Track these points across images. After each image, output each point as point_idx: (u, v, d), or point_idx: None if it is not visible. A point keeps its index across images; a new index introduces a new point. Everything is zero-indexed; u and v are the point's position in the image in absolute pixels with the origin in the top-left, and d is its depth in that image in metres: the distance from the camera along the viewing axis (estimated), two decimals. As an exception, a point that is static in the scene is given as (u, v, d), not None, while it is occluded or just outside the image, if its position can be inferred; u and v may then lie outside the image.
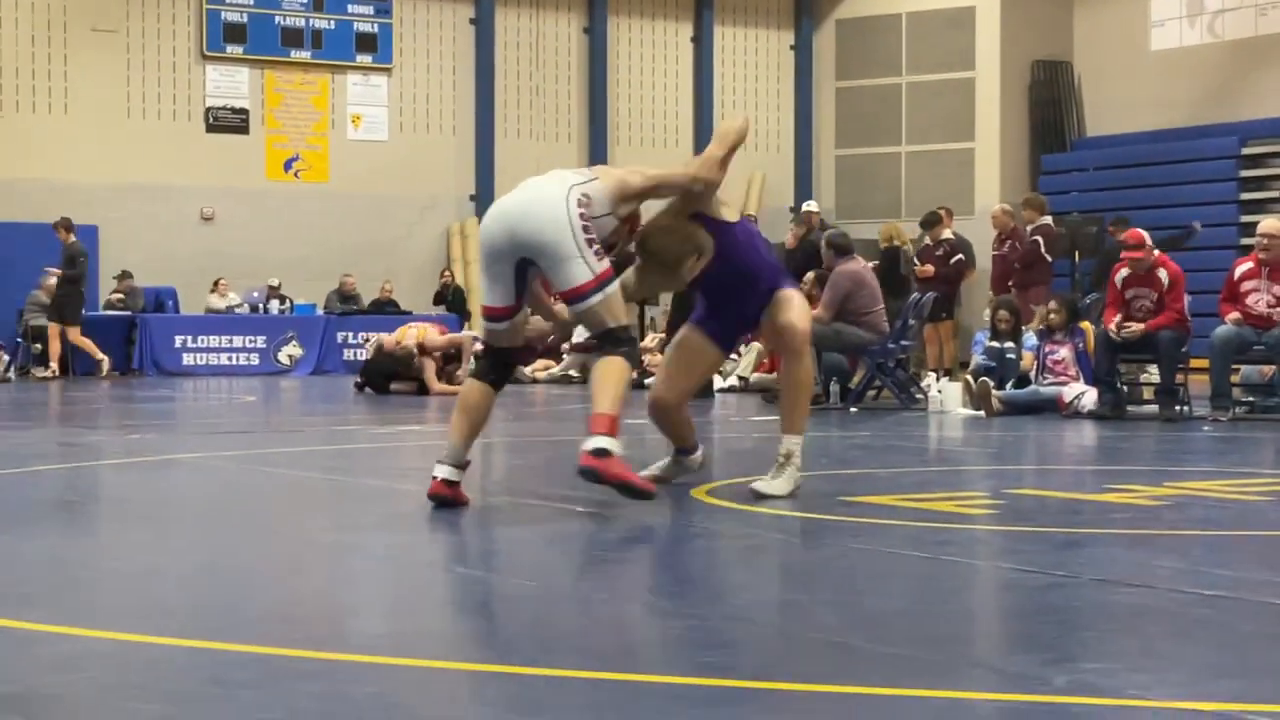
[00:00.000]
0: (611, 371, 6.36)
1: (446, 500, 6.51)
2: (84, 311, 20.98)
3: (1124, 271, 13.02)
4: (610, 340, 6.45)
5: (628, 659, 3.94)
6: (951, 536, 6.03)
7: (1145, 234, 13.14)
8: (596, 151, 25.79)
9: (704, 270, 6.80)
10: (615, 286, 6.45)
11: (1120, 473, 8.80)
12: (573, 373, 20.36)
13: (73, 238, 20.49)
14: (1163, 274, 12.89)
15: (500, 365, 6.80)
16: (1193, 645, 4.05)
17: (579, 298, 6.40)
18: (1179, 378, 13.04)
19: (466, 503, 6.61)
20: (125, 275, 22.45)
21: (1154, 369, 13.47)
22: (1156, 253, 13.07)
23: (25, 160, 22.58)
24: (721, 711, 3.34)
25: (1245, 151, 23.22)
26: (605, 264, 6.41)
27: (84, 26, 23.32)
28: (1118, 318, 12.81)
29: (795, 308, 6.94)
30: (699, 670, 3.81)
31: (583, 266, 6.31)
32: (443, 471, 6.53)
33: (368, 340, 20.39)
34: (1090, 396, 13.21)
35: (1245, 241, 17.87)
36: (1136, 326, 12.73)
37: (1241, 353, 13.05)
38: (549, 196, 6.41)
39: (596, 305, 6.39)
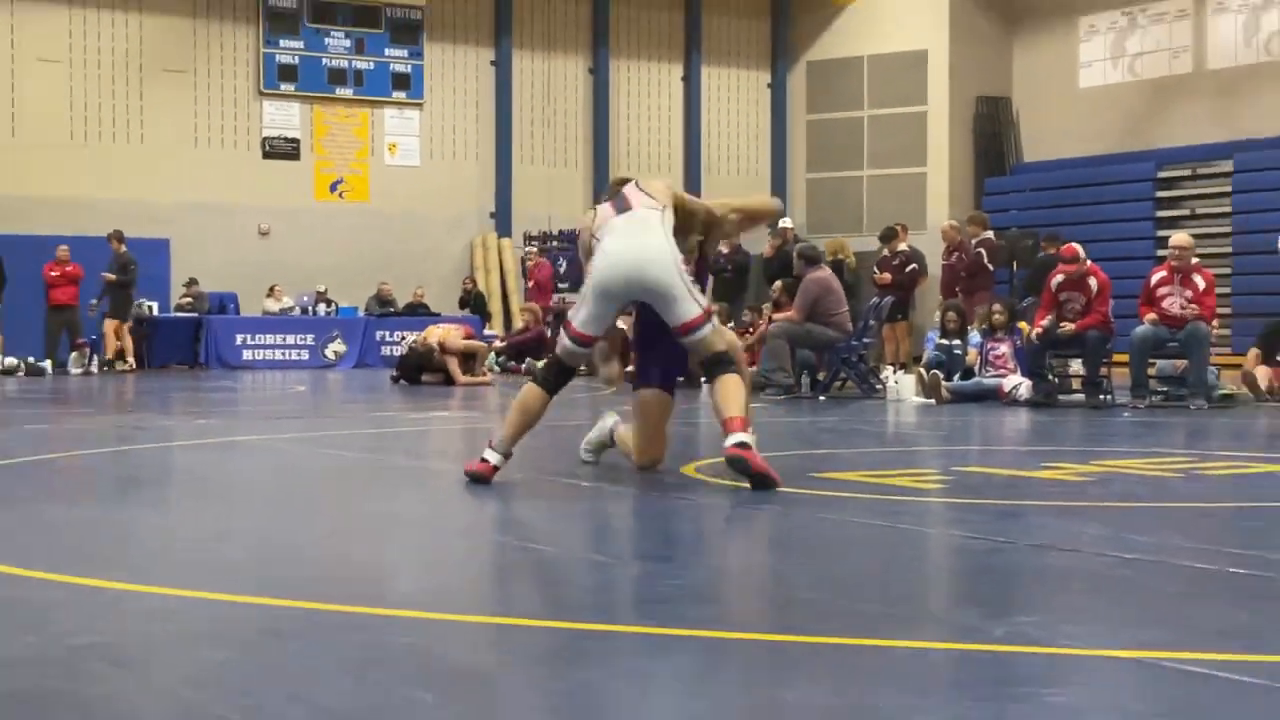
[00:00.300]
0: (732, 384, 6.50)
1: (483, 479, 6.49)
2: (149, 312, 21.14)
3: (1059, 278, 13.05)
4: (720, 363, 6.59)
5: (627, 613, 3.95)
6: (907, 508, 6.04)
7: (1079, 247, 13.16)
8: (600, 176, 25.78)
9: (639, 316, 7.03)
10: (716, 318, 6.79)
11: (1052, 452, 8.81)
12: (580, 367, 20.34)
13: (124, 248, 20.49)
14: (1093, 281, 12.93)
15: (563, 376, 6.89)
16: (1115, 601, 4.05)
17: (693, 330, 6.59)
18: (1102, 371, 13.07)
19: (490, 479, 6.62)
20: (192, 282, 22.49)
21: (1079, 363, 13.49)
22: (1089, 263, 13.11)
23: (108, 183, 22.58)
24: (707, 658, 3.34)
25: (1160, 175, 23.22)
26: (705, 298, 6.73)
27: (157, 68, 23.30)
28: (1048, 319, 12.84)
29: (724, 335, 7.05)
30: (689, 623, 3.81)
31: (692, 304, 6.55)
32: (492, 457, 6.53)
33: (404, 339, 20.47)
34: (1026, 387, 13.22)
35: (1160, 253, 17.85)
36: (1069, 326, 12.78)
37: (1157, 349, 13.07)
38: (657, 248, 6.57)
39: (708, 335, 6.60)
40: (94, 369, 20.24)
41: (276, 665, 3.25)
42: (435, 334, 17.46)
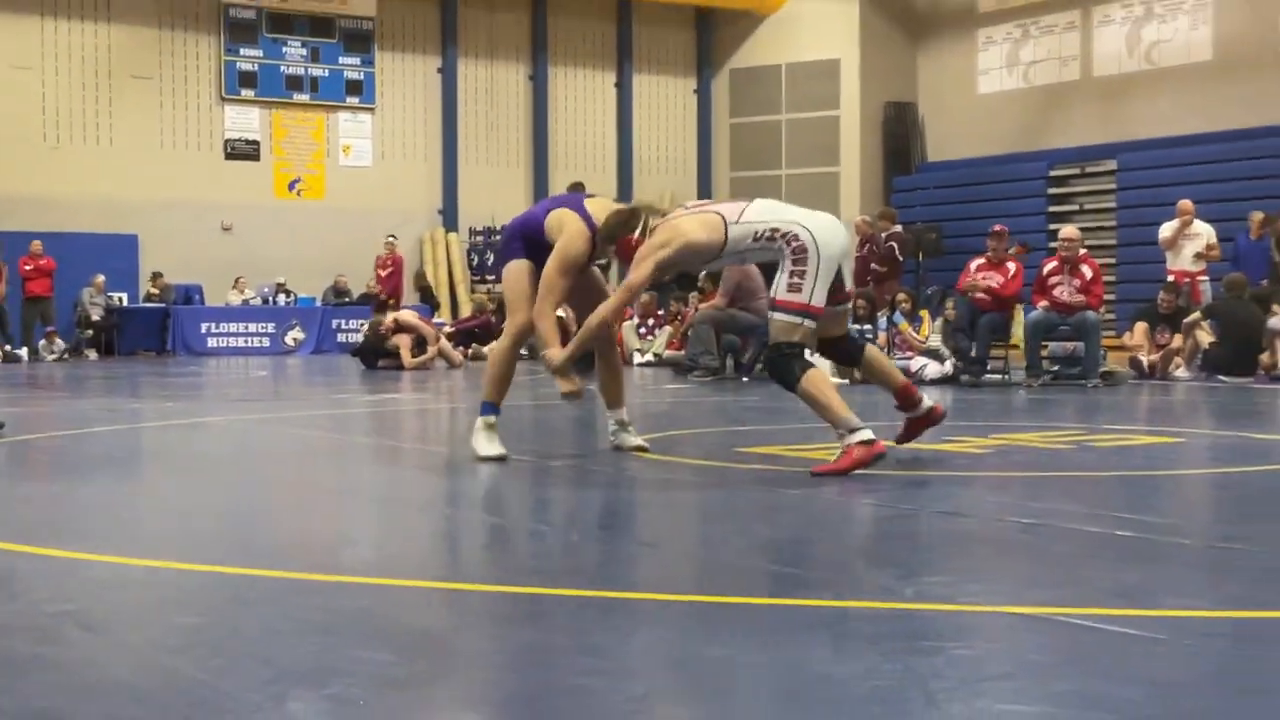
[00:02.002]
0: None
1: (880, 456, 5.92)
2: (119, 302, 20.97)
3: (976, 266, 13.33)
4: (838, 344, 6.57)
5: (570, 578, 3.94)
6: (825, 479, 6.06)
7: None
8: (539, 175, 25.73)
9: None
10: None
11: (956, 428, 8.86)
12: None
13: None
14: (1011, 266, 13.33)
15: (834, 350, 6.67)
16: (1013, 562, 4.08)
17: (847, 299, 6.43)
18: (997, 352, 13.28)
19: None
20: (158, 275, 22.34)
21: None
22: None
23: (79, 182, 22.27)
24: (637, 618, 3.34)
25: (1051, 174, 23.40)
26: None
27: (125, 75, 23.00)
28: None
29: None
30: (624, 586, 3.82)
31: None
32: (865, 434, 5.90)
33: (362, 325, 20.46)
34: (931, 367, 13.30)
35: (1052, 245, 17.98)
36: (979, 281, 13.18)
37: (1049, 332, 13.21)
38: None
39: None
40: (65, 355, 20.10)
41: (242, 629, 3.22)
42: (391, 316, 17.54)
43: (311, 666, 2.83)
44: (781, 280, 5.98)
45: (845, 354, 6.74)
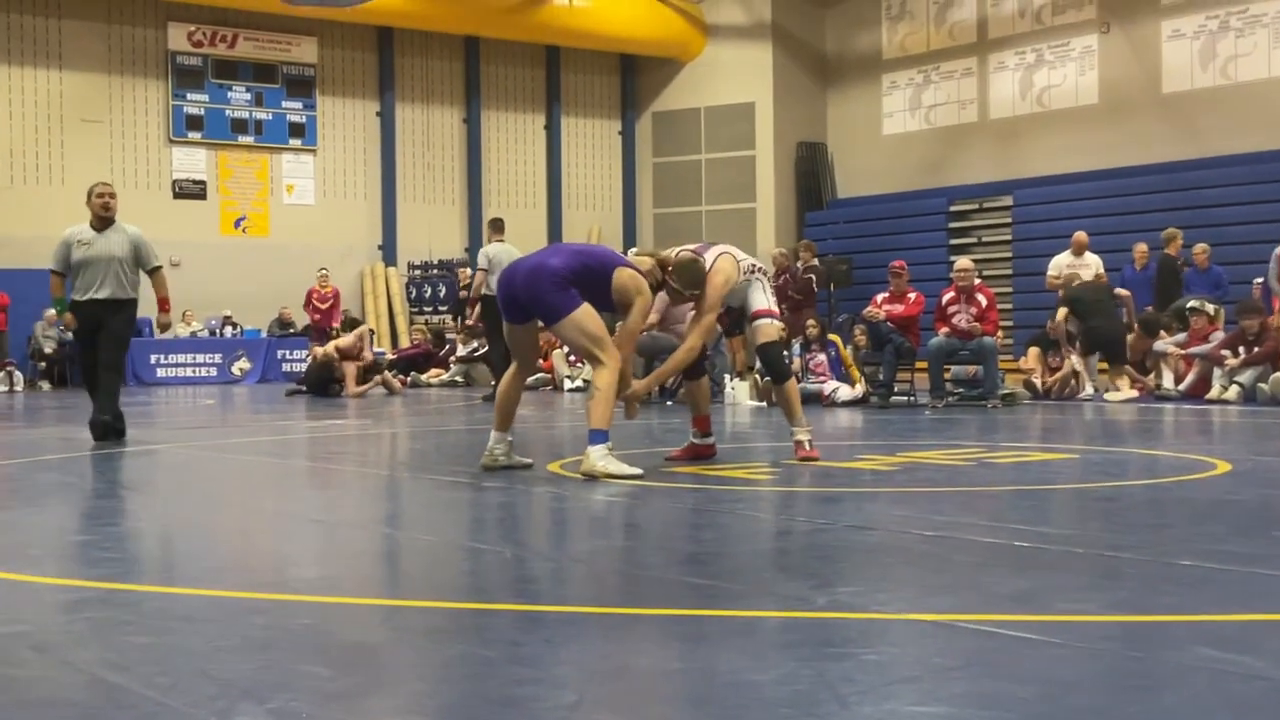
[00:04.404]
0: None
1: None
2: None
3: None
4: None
5: (499, 593, 3.92)
6: (743, 495, 6.08)
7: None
8: (474, 212, 25.68)
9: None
10: None
11: (865, 446, 8.93)
12: (458, 379, 20.22)
13: None
14: (912, 296, 13.41)
15: None
16: (918, 572, 4.11)
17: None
18: (901, 375, 13.41)
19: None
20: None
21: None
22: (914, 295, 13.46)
23: (33, 222, 21.92)
24: (567, 630, 3.33)
25: (952, 209, 23.68)
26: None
27: (75, 118, 22.73)
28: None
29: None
30: (553, 600, 3.80)
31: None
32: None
33: (309, 355, 20.30)
34: (844, 391, 13.40)
35: (950, 276, 18.19)
36: (879, 312, 13.26)
37: (950, 357, 13.35)
38: None
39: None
40: (19, 387, 19.76)
41: (188, 647, 3.17)
42: (333, 344, 17.41)
43: (255, 682, 2.80)
44: (764, 297, 7.48)
45: (699, 368, 7.68)
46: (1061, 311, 14.50)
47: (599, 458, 6.50)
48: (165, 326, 11.32)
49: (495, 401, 7.11)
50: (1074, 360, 14.28)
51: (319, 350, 17.55)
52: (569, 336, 6.81)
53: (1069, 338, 14.38)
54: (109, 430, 9.52)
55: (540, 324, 6.94)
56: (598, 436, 6.54)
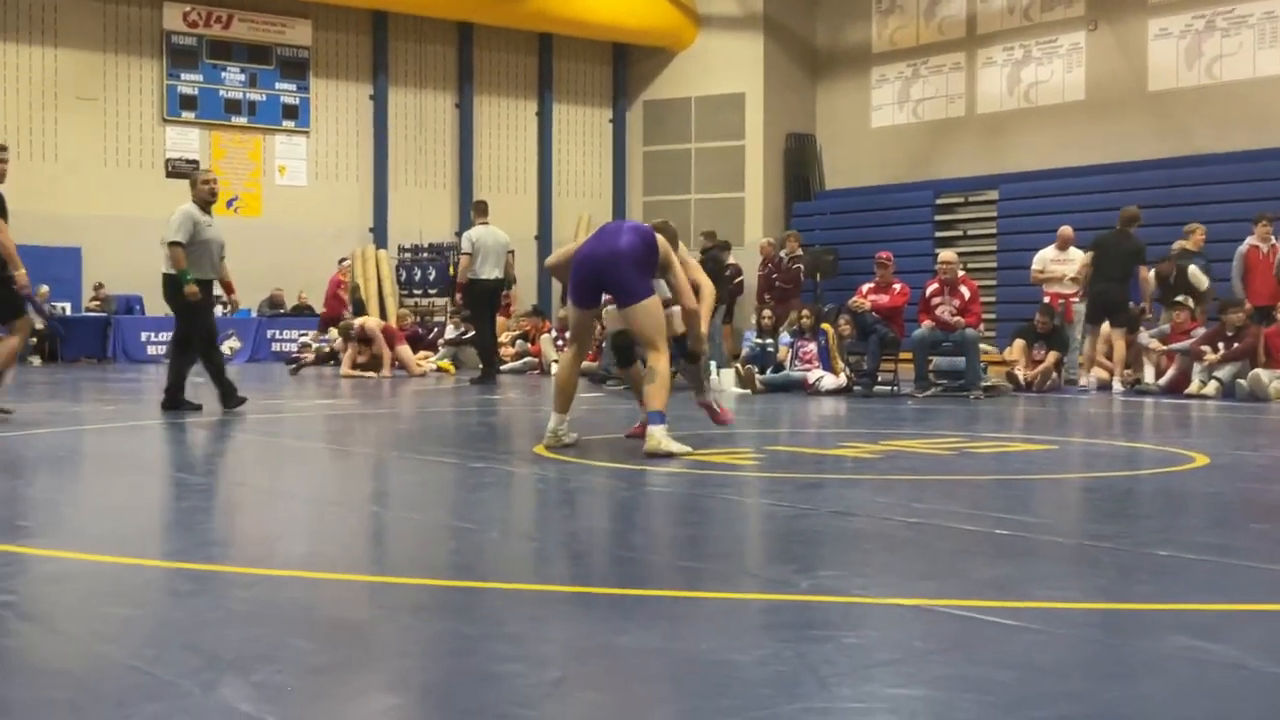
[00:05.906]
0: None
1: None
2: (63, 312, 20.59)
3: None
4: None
5: (484, 571, 3.92)
6: (727, 480, 6.08)
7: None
8: (465, 196, 25.60)
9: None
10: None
11: (848, 434, 8.94)
12: (445, 363, 20.20)
13: None
14: (897, 286, 13.45)
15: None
16: (899, 558, 4.11)
17: None
18: (887, 366, 13.38)
19: None
20: (100, 286, 21.99)
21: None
22: (898, 287, 13.47)
23: (26, 197, 21.76)
24: (551, 609, 3.33)
25: (938, 202, 23.69)
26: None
27: (71, 96, 22.62)
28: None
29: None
30: (538, 579, 3.80)
31: None
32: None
33: (302, 337, 20.53)
34: (828, 379, 13.41)
35: (935, 268, 18.22)
36: (864, 302, 13.27)
37: (934, 348, 13.36)
38: None
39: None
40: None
41: (174, 620, 3.17)
42: (369, 321, 17.86)
43: (240, 655, 2.79)
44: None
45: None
46: (1086, 255, 14.78)
47: (662, 436, 6.84)
48: (235, 306, 12.13)
49: (555, 385, 7.43)
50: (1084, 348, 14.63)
51: (368, 322, 17.92)
52: (639, 320, 7.11)
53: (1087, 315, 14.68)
54: (233, 398, 10.25)
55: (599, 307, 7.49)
56: (657, 417, 6.90)
